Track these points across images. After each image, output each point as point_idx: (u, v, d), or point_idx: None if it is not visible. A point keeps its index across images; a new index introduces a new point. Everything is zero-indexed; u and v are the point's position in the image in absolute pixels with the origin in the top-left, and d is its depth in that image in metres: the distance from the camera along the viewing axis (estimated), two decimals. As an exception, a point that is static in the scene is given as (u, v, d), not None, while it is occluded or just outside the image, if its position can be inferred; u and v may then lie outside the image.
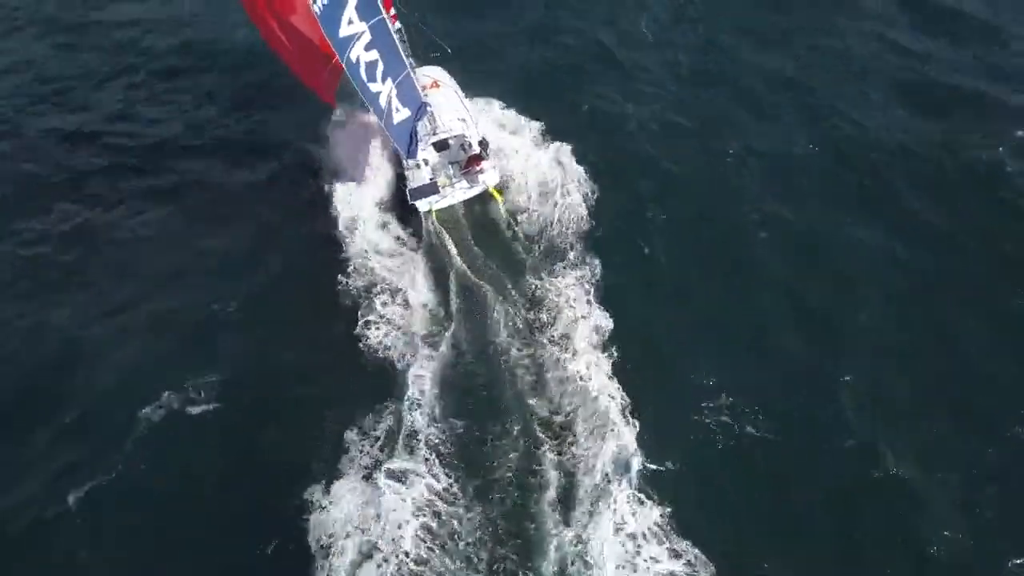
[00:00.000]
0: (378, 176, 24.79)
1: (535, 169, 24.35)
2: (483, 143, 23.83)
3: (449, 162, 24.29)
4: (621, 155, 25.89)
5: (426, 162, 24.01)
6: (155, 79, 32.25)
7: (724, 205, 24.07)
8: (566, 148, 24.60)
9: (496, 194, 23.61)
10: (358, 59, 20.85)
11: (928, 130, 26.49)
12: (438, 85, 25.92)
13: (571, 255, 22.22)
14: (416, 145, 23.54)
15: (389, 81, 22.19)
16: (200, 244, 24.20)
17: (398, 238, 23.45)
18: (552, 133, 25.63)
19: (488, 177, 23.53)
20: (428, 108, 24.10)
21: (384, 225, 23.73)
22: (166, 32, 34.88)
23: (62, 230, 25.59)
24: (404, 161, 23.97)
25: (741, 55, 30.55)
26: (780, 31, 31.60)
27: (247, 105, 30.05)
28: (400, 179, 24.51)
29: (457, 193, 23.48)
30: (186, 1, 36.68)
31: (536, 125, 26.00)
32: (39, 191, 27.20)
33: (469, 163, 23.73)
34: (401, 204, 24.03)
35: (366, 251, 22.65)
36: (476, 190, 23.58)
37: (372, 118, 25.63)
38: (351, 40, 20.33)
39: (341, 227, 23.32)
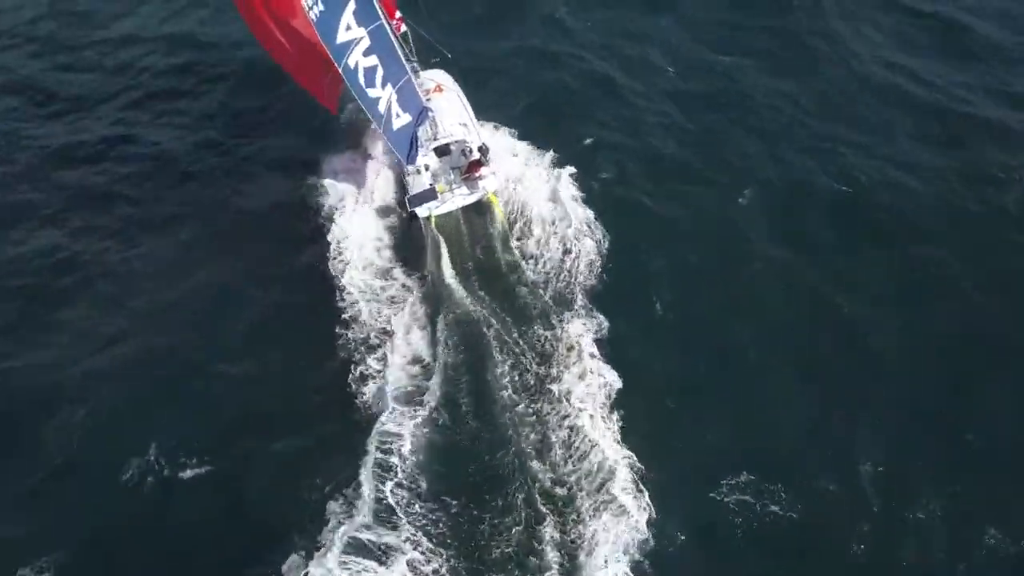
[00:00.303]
0: (379, 206, 24.24)
1: (543, 206, 23.60)
2: (483, 149, 23.63)
3: (450, 168, 24.16)
4: (630, 195, 24.84)
5: (426, 167, 23.89)
6: (154, 100, 31.28)
7: (735, 250, 22.95)
8: (576, 188, 23.77)
9: (495, 200, 23.45)
10: (356, 65, 20.81)
11: (944, 163, 25.28)
12: (441, 89, 25.80)
13: (579, 304, 21.06)
14: (416, 151, 23.45)
15: (389, 87, 22.12)
16: (194, 278, 23.36)
17: (399, 282, 22.38)
18: (561, 167, 24.59)
19: (488, 183, 23.36)
20: (430, 113, 24.00)
21: (387, 271, 22.73)
22: (165, 52, 33.75)
23: (51, 260, 24.75)
24: (404, 168, 23.89)
25: (748, 82, 29.26)
26: (787, 56, 30.42)
27: (247, 128, 29.21)
28: (402, 205, 24.01)
29: (457, 199, 23.33)
30: (187, 20, 35.50)
31: (547, 157, 24.94)
32: (28, 217, 26.38)
33: (469, 169, 23.57)
34: (403, 242, 23.40)
35: (362, 293, 21.79)
36: (476, 196, 23.40)
37: (371, 141, 25.78)
38: (349, 46, 20.30)
39: (338, 266, 22.55)
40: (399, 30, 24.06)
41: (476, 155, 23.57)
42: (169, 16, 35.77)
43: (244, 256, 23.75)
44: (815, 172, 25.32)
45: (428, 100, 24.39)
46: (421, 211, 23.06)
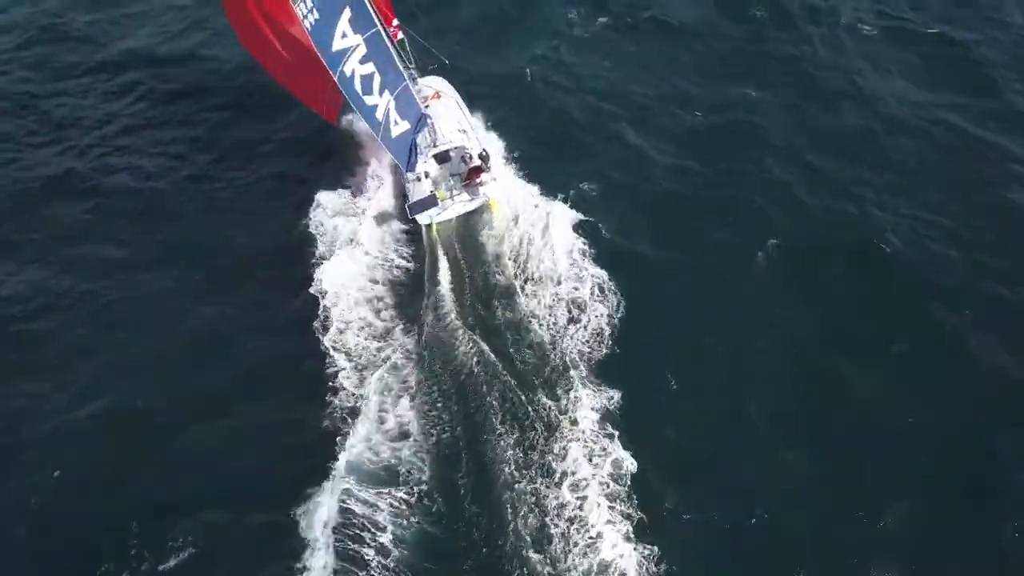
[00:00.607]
0: (372, 257, 22.69)
1: (549, 260, 22.02)
2: (484, 155, 23.43)
3: (450, 174, 23.96)
4: (640, 249, 23.05)
5: (427, 175, 23.68)
6: (148, 129, 29.55)
7: (751, 316, 21.10)
8: (585, 243, 22.47)
9: (495, 206, 23.22)
10: (353, 73, 20.66)
11: (971, 210, 23.65)
12: (440, 95, 25.60)
13: (590, 374, 19.34)
14: (416, 158, 23.25)
15: (387, 94, 21.94)
16: (177, 327, 21.86)
17: (393, 341, 20.54)
18: (566, 209, 23.43)
19: (489, 189, 23.15)
20: (428, 120, 23.81)
21: (382, 333, 20.88)
22: (162, 78, 32.00)
23: (31, 301, 23.14)
24: (404, 175, 23.69)
25: (764, 120, 27.50)
26: (804, 93, 28.83)
27: (243, 159, 27.64)
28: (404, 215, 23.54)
29: (457, 206, 23.14)
30: (185, 43, 33.94)
31: (555, 206, 23.47)
32: (8, 252, 24.84)
33: (470, 175, 23.37)
34: (397, 291, 21.91)
35: (348, 354, 20.17)
36: (477, 203, 23.21)
37: (370, 164, 25.30)
38: (344, 54, 20.14)
39: (325, 321, 20.91)
40: (396, 37, 23.91)
41: (476, 161, 23.37)
42: (166, 39, 34.35)
43: (231, 303, 22.38)
44: (835, 222, 23.69)
45: (426, 107, 24.22)
46: (422, 218, 22.87)
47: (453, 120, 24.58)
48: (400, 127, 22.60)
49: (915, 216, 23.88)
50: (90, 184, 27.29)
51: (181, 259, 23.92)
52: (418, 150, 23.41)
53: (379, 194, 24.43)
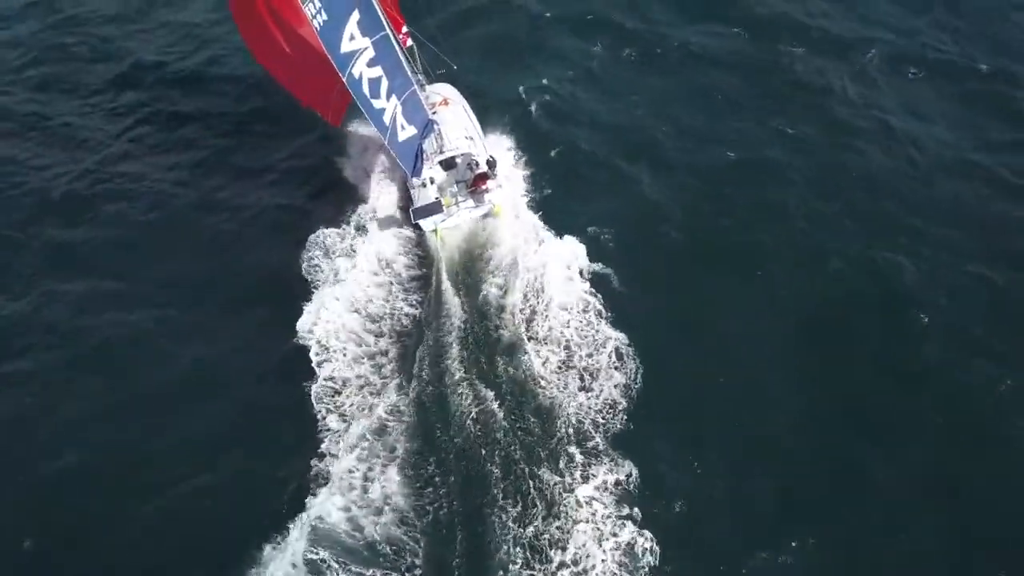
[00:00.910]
0: (372, 292, 21.71)
1: (562, 316, 20.63)
2: (491, 162, 23.28)
3: (456, 181, 23.79)
4: (660, 305, 21.33)
5: (432, 181, 23.53)
6: (153, 154, 28.63)
7: (779, 389, 19.33)
8: (601, 302, 20.93)
9: (500, 212, 23.00)
10: (361, 75, 20.50)
11: (1010, 259, 21.85)
12: (448, 102, 25.51)
13: (602, 448, 17.82)
14: (422, 164, 23.08)
15: (394, 98, 21.80)
16: (165, 368, 21.05)
17: (388, 404, 18.98)
18: (584, 266, 21.91)
19: (494, 197, 22.97)
20: (436, 126, 23.65)
21: (376, 391, 19.45)
22: (169, 100, 31.10)
23: (12, 335, 22.45)
24: (409, 181, 23.51)
25: (786, 160, 25.77)
26: (826, 131, 26.84)
27: (247, 185, 26.75)
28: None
29: (463, 213, 22.97)
30: (192, 62, 33.04)
31: (569, 248, 22.09)
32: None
33: (476, 182, 23.20)
34: (394, 351, 20.38)
35: (338, 410, 19.03)
36: (482, 210, 23.03)
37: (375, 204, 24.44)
38: (353, 56, 19.99)
39: (319, 369, 19.82)
40: (405, 44, 23.82)
41: (483, 168, 23.20)
42: (176, 59, 33.41)
43: (220, 346, 21.44)
44: (860, 273, 21.84)
45: (434, 113, 24.09)
46: (426, 224, 22.70)
47: (460, 127, 24.49)
48: (407, 132, 22.45)
49: (956, 268, 21.90)
50: (87, 212, 26.45)
51: (175, 296, 23.03)
52: (424, 156, 23.27)
53: (381, 235, 23.28)
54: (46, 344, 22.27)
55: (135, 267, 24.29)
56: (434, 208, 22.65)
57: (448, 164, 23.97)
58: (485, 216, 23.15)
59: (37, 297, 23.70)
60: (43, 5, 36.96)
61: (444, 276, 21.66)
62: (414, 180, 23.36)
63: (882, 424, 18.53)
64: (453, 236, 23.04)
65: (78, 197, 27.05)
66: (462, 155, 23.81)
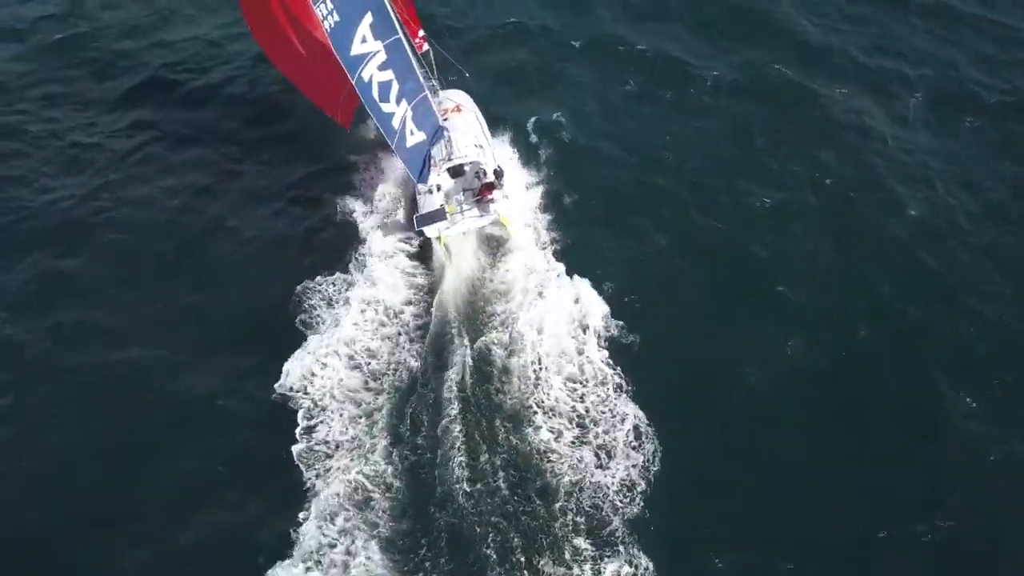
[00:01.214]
0: (369, 339, 20.85)
1: (581, 391, 19.33)
2: (498, 172, 23.08)
3: (463, 189, 23.58)
4: (680, 379, 20.05)
5: (439, 187, 23.34)
6: (158, 175, 27.69)
7: (811, 478, 18.16)
8: (622, 379, 19.55)
9: (507, 224, 22.78)
10: (371, 79, 20.37)
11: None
12: (460, 109, 25.33)
13: (615, 538, 16.51)
14: (429, 170, 22.91)
15: (404, 103, 21.66)
16: (157, 396, 20.50)
17: (376, 476, 17.75)
18: (601, 326, 20.74)
19: (501, 207, 22.74)
20: (446, 132, 23.49)
21: (365, 452, 18.47)
22: (180, 121, 30.01)
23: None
24: (416, 186, 23.35)
25: (817, 202, 25.03)
26: (845, 178, 25.98)
27: (248, 217, 25.67)
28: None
29: (467, 221, 22.74)
30: (206, 80, 31.91)
31: (592, 322, 20.74)
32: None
33: (482, 191, 22.98)
34: (387, 406, 19.42)
35: (317, 471, 18.21)
36: (487, 219, 22.79)
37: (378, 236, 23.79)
38: (363, 59, 19.86)
39: (307, 423, 19.04)
40: (421, 49, 23.73)
41: (490, 178, 22.99)
42: (190, 76, 32.20)
43: (209, 386, 20.64)
44: (893, 343, 20.68)
45: (445, 119, 23.93)
46: (429, 231, 22.51)
47: (470, 134, 24.27)
48: (415, 137, 22.31)
49: (996, 332, 20.86)
50: (85, 239, 25.45)
51: (169, 334, 22.08)
52: (432, 162, 23.09)
53: (385, 279, 22.35)
54: (31, 377, 21.36)
55: (131, 299, 23.32)
56: (438, 215, 22.46)
57: (456, 171, 23.79)
58: (492, 224, 22.97)
59: (25, 318, 22.89)
60: (57, 18, 35.70)
61: (447, 351, 20.18)
62: (420, 186, 23.21)
63: (905, 502, 17.50)
64: (463, 248, 22.76)
65: (78, 223, 25.96)
66: (470, 163, 23.63)
